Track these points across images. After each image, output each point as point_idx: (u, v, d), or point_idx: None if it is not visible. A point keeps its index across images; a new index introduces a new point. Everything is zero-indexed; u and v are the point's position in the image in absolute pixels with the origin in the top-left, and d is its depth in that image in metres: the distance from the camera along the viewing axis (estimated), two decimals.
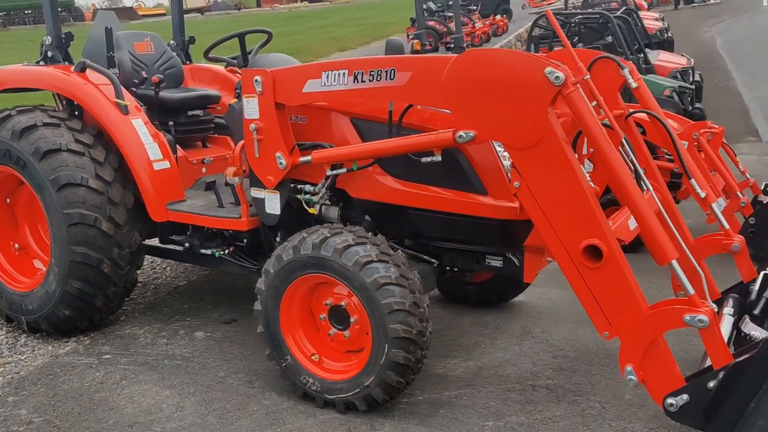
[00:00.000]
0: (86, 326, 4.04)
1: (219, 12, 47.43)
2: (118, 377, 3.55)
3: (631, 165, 3.52)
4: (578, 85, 2.66)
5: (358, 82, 3.12)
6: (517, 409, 3.12)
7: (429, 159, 3.02)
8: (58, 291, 3.82)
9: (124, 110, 3.89)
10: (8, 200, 4.23)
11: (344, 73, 3.14)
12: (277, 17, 38.78)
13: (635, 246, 3.43)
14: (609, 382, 3.32)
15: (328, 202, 3.49)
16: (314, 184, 3.45)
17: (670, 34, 16.62)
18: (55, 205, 3.72)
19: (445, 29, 18.95)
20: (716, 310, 2.55)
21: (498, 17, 22.94)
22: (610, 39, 11.81)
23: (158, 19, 39.30)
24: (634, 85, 3.56)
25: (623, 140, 3.53)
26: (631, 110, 3.63)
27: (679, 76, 10.52)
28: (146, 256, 4.33)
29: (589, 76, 3.00)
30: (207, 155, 4.47)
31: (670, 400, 2.55)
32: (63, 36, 4.25)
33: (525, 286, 4.32)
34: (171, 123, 4.24)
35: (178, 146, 4.25)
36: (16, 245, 4.29)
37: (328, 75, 3.19)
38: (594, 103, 3.59)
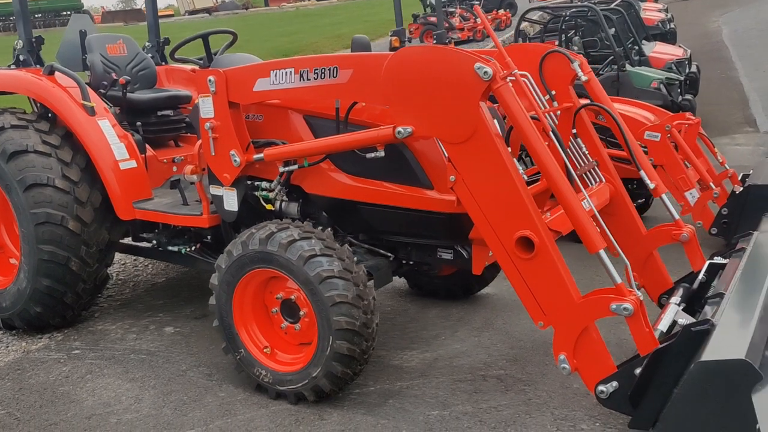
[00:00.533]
0: (59, 323, 4.14)
1: (227, 12, 47.66)
2: (83, 371, 3.65)
3: (582, 158, 3.58)
4: (508, 80, 2.71)
5: (304, 80, 3.19)
6: (464, 399, 3.18)
7: (373, 155, 3.08)
8: (29, 288, 3.93)
9: (91, 112, 3.98)
10: None
11: (291, 72, 3.22)
12: (284, 16, 38.97)
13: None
14: (560, 373, 3.33)
15: (285, 198, 3.56)
16: (271, 181, 3.53)
17: (672, 26, 16.51)
18: (22, 204, 3.83)
19: (447, 24, 18.96)
20: (642, 298, 2.59)
21: (501, 12, 22.87)
22: (613, 30, 11.80)
23: (166, 20, 39.57)
24: (584, 78, 3.59)
25: (573, 133, 3.58)
26: (583, 103, 3.66)
27: (674, 68, 10.48)
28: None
29: (516, 70, 3.02)
30: (178, 154, 4.55)
31: (600, 388, 2.60)
32: (34, 40, 4.36)
33: (491, 278, 4.38)
34: (139, 123, 4.33)
35: (147, 146, 4.34)
36: None
37: (276, 74, 3.26)
38: (547, 96, 3.66)
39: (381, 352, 3.71)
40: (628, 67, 8.77)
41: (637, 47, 10.89)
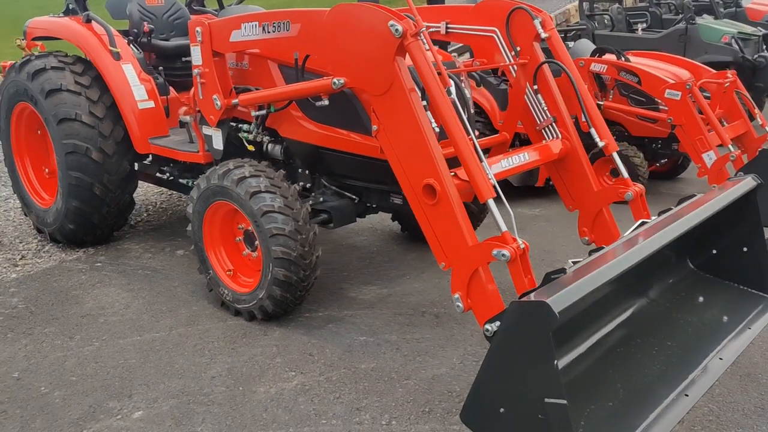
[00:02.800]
0: (91, 239, 4.82)
1: None
2: (96, 280, 4.30)
3: (542, 114, 3.71)
4: (420, 37, 2.89)
5: (265, 32, 3.52)
6: (393, 329, 3.50)
7: (320, 103, 3.39)
8: (63, 208, 4.61)
9: (116, 56, 4.52)
10: (39, 132, 5.05)
11: (256, 24, 3.56)
12: None
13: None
14: None
15: (266, 139, 3.95)
16: (251, 124, 3.92)
17: None
18: (56, 136, 4.47)
19: None
20: (523, 247, 2.76)
21: None
22: None
23: None
24: (544, 35, 3.65)
25: (529, 90, 3.70)
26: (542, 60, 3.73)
27: None
28: None
29: (425, 28, 3.12)
30: None
31: (487, 326, 2.80)
32: None
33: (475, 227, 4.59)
34: (161, 68, 4.83)
35: (172, 88, 4.85)
36: (47, 169, 5.12)
37: (245, 26, 3.61)
38: (514, 52, 3.77)
39: (344, 284, 4.09)
40: (699, 20, 8.30)
41: None
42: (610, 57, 5.69)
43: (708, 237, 3.58)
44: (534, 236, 4.83)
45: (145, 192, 6.20)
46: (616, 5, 9.26)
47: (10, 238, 5.19)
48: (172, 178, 4.64)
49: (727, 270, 3.57)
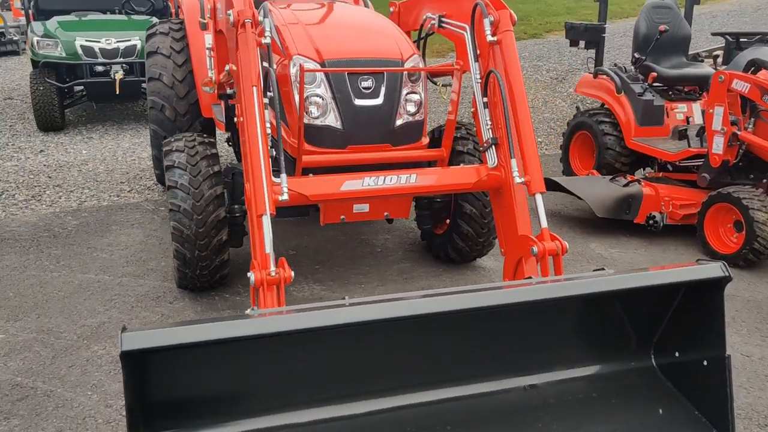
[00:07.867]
0: None
1: None
2: (139, 221, 4.90)
3: (488, 132, 3.15)
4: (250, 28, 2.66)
5: None
6: None
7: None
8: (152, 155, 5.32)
9: (202, 26, 4.96)
10: None
11: None
12: None
13: None
14: None
15: None
16: None
17: None
18: (148, 92, 5.14)
19: None
20: (275, 275, 2.42)
21: None
22: None
23: None
24: (490, 39, 2.93)
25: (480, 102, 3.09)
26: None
27: None
28: None
29: (250, 19, 2.71)
30: None
31: None
32: None
33: (485, 249, 4.05)
34: None
35: None
36: None
37: None
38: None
39: (302, 278, 3.95)
40: None
41: None
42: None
43: (674, 334, 2.70)
44: None
45: None
46: None
47: (147, 174, 6.13)
48: None
49: (684, 381, 2.69)
